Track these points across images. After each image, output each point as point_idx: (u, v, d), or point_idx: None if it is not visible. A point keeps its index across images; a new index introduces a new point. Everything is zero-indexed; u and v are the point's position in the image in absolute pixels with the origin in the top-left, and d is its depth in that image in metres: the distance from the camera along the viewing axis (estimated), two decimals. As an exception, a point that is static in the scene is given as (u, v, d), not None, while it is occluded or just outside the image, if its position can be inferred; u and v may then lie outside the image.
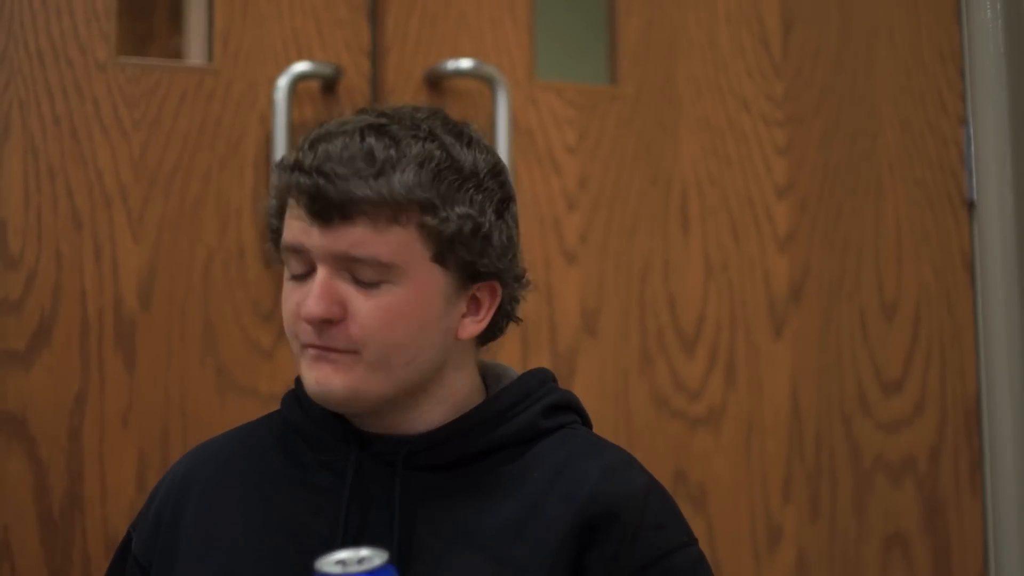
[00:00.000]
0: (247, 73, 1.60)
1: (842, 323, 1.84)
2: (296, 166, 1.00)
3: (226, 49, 1.59)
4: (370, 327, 1.00)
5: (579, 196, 1.73)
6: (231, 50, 1.59)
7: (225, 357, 1.55)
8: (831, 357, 1.83)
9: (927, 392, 1.87)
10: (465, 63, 1.65)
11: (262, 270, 1.58)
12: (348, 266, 1.00)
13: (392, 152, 0.99)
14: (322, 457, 1.07)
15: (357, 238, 0.98)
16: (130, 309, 1.53)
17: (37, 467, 1.47)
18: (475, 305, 1.06)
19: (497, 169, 1.06)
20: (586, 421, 1.13)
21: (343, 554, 0.86)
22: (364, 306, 1.00)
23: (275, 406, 1.15)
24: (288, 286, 1.03)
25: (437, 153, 1.00)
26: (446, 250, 1.01)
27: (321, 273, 1.00)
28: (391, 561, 0.86)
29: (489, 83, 1.65)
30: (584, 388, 1.66)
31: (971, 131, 1.91)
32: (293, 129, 1.56)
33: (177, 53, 1.88)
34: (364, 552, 0.86)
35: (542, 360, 1.67)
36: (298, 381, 1.10)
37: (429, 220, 0.99)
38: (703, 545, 1.09)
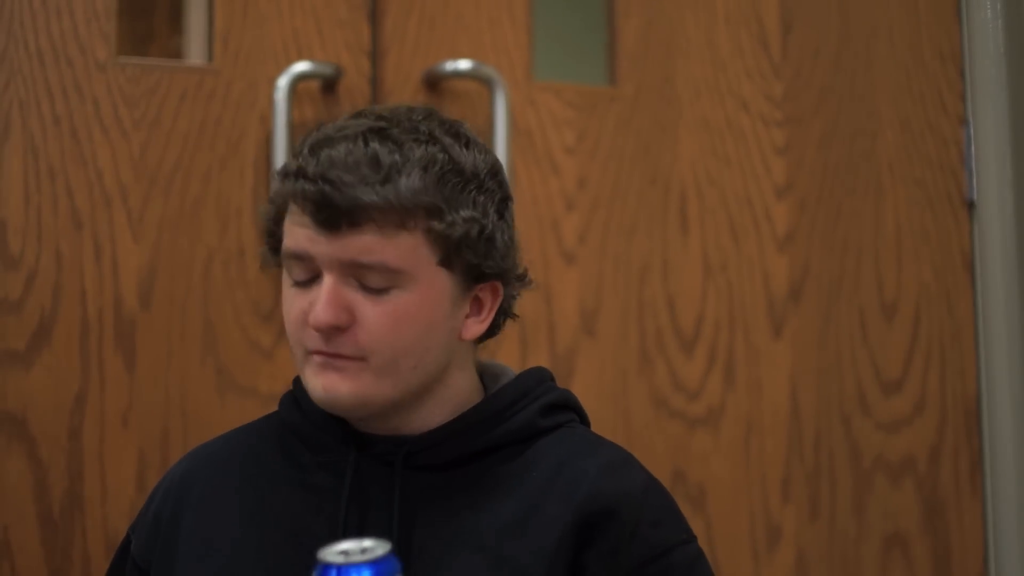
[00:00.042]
0: (247, 73, 1.60)
1: (841, 323, 1.84)
2: (299, 173, 0.99)
3: (226, 49, 1.59)
4: (378, 333, 1.00)
5: (578, 197, 1.73)
6: (231, 50, 1.60)
7: (225, 357, 1.56)
8: (831, 357, 1.83)
9: (927, 392, 1.87)
10: (463, 64, 1.65)
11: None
12: (355, 273, 0.99)
13: (397, 157, 0.98)
14: (320, 458, 1.07)
15: (365, 245, 0.98)
16: (130, 309, 1.53)
17: (37, 467, 1.48)
18: (477, 305, 1.06)
19: (495, 169, 1.06)
20: (584, 420, 1.14)
21: (346, 545, 0.87)
22: (372, 312, 1.00)
23: (275, 406, 1.15)
24: (291, 292, 1.03)
25: (440, 156, 1.00)
26: (452, 254, 1.01)
27: (328, 280, 0.99)
28: (393, 552, 0.86)
29: (487, 84, 1.65)
30: (583, 388, 1.66)
31: (971, 131, 1.91)
32: (293, 129, 1.56)
33: (177, 53, 1.89)
34: (367, 543, 0.86)
35: (541, 360, 1.67)
36: (296, 382, 1.10)
37: (436, 225, 0.99)
38: (702, 545, 1.09)
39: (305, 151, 1.00)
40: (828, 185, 1.85)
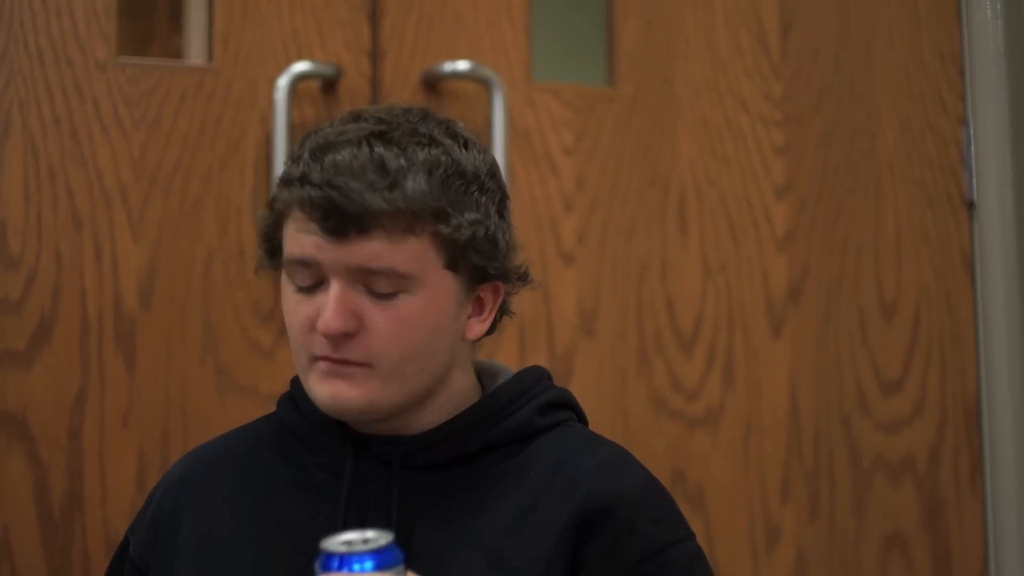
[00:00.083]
0: (247, 73, 1.60)
1: (841, 323, 1.84)
2: (304, 179, 0.98)
3: (226, 49, 1.60)
4: (386, 338, 0.99)
5: (576, 197, 1.73)
6: (231, 50, 1.60)
7: (225, 357, 1.56)
8: (830, 357, 1.83)
9: (927, 392, 1.87)
10: (462, 65, 1.65)
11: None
12: (363, 278, 0.99)
13: (402, 161, 0.98)
14: (319, 459, 1.07)
15: (374, 251, 0.98)
16: (130, 309, 1.53)
17: (37, 467, 1.48)
18: (479, 305, 1.06)
19: (493, 169, 1.06)
20: (582, 418, 1.14)
21: (349, 535, 0.87)
22: (380, 318, 0.99)
23: (275, 406, 1.15)
24: (294, 298, 1.02)
25: (443, 158, 1.00)
26: (459, 257, 1.01)
27: (336, 286, 0.99)
28: (395, 543, 0.87)
29: (486, 85, 1.65)
30: (582, 389, 1.66)
31: (971, 131, 1.91)
32: (293, 129, 1.57)
33: (177, 53, 1.89)
34: (370, 533, 0.87)
35: (540, 361, 1.67)
36: (294, 383, 1.11)
37: (443, 229, 0.99)
38: (701, 546, 1.08)
39: (306, 156, 1.00)
40: (828, 185, 1.85)
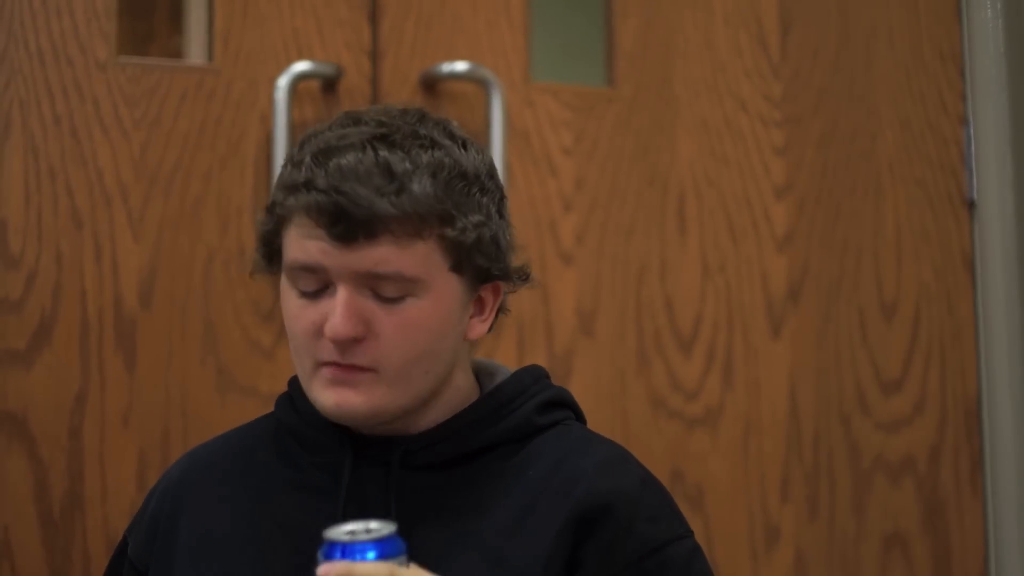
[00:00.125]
0: (247, 73, 1.60)
1: (841, 323, 1.84)
2: (308, 185, 0.98)
3: (226, 49, 1.60)
4: (394, 343, 0.99)
5: (575, 197, 1.73)
6: (231, 50, 1.60)
7: (225, 357, 1.56)
8: (830, 357, 1.83)
9: (927, 392, 1.87)
10: (460, 66, 1.65)
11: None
12: (370, 283, 0.99)
13: (407, 165, 0.98)
14: (317, 459, 1.07)
15: (382, 255, 0.97)
16: (130, 309, 1.53)
17: (37, 467, 1.48)
18: (480, 305, 1.06)
19: (491, 169, 1.06)
20: (580, 417, 1.14)
21: (352, 525, 0.88)
22: (388, 322, 0.99)
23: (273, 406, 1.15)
24: (298, 303, 1.01)
25: (446, 161, 1.00)
26: (464, 259, 1.01)
27: (344, 292, 0.99)
28: (398, 533, 0.88)
29: (484, 85, 1.65)
30: (581, 389, 1.66)
31: (971, 131, 1.91)
32: (293, 129, 1.57)
33: (177, 53, 1.89)
34: (373, 524, 0.88)
35: (539, 361, 1.65)
36: (292, 383, 1.11)
37: (449, 232, 0.99)
38: (700, 544, 1.09)
39: (308, 160, 0.99)
40: (827, 185, 1.85)
